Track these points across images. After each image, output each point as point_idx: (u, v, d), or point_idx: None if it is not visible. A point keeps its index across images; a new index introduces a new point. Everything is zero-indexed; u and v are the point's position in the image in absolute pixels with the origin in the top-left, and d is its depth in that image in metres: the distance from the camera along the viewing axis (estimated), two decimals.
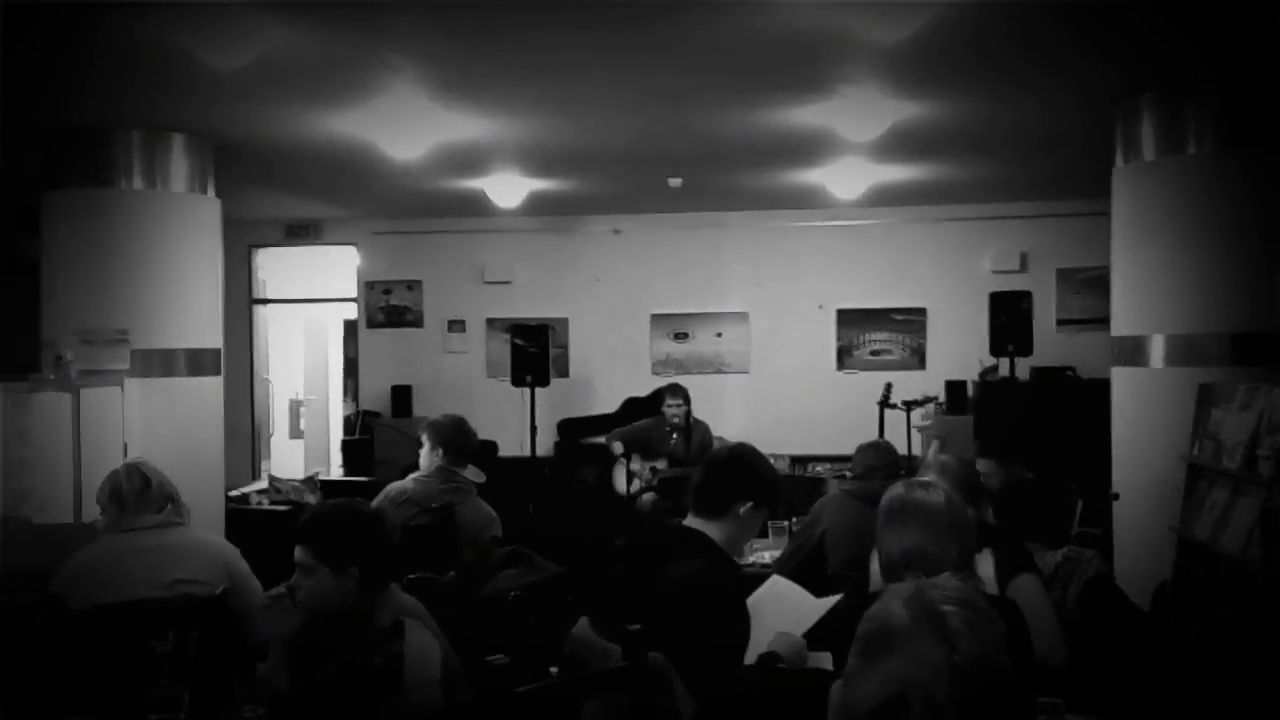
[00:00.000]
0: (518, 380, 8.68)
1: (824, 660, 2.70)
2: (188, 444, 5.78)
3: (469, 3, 4.01)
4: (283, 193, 8.67)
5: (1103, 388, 5.65)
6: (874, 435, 6.61)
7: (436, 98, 5.40)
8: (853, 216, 9.38)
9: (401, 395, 9.60)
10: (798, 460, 9.04)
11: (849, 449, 4.94)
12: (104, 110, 5.59)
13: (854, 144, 6.54)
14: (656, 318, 9.85)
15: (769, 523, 4.94)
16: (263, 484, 7.34)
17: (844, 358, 9.69)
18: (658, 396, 8.14)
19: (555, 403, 9.41)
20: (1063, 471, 5.33)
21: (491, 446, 8.86)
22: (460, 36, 4.47)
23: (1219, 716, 3.47)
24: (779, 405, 9.51)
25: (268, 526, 6.14)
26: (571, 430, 9.49)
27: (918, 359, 9.55)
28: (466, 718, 2.49)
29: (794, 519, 5.16)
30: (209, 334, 6.18)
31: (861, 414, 8.32)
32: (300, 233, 10.09)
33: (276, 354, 10.83)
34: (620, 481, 7.90)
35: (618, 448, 7.91)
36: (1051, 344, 8.71)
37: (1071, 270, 9.20)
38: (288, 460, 10.72)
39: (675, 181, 7.97)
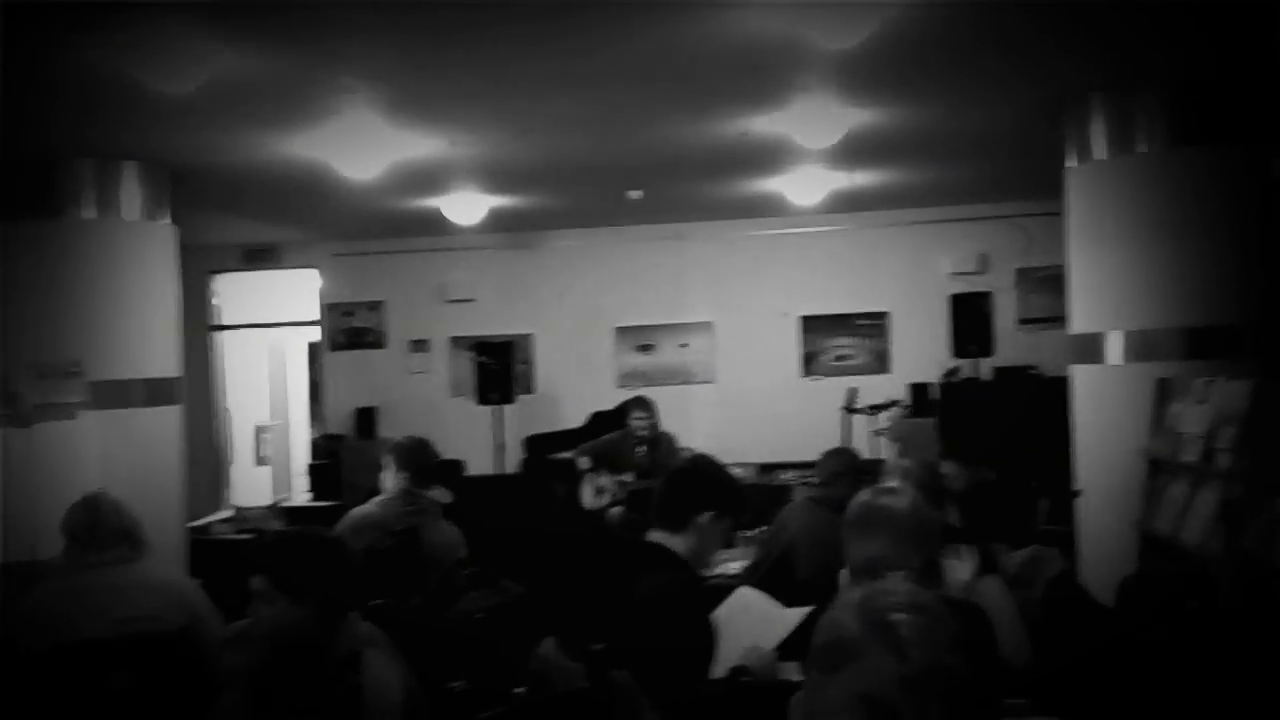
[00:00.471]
0: (483, 398, 8.64)
1: (794, 672, 2.69)
2: (147, 475, 5.70)
3: (420, 24, 4.00)
4: (240, 217, 8.60)
5: (1065, 385, 5.69)
6: (840, 441, 6.64)
7: (390, 117, 5.37)
8: (813, 223, 9.42)
9: (366, 417, 9.53)
10: (765, 468, 9.02)
11: (816, 456, 4.95)
12: (54, 139, 5.52)
13: (811, 151, 6.57)
14: (621, 330, 9.84)
15: (736, 533, 4.94)
16: (226, 513, 7.25)
17: (809, 364, 9.72)
18: (624, 410, 8.12)
19: (522, 420, 9.36)
20: (1026, 470, 5.36)
21: (458, 465, 8.80)
22: (412, 56, 4.45)
23: (1186, 710, 3.50)
24: (745, 414, 9.51)
25: (231, 557, 6.06)
26: (538, 446, 9.43)
27: (881, 363, 9.59)
28: None
29: (761, 528, 5.16)
30: (166, 363, 6.11)
31: (828, 420, 8.36)
32: (259, 257, 10.00)
33: (238, 380, 10.71)
34: (588, 496, 7.87)
35: (584, 462, 7.87)
36: (1013, 344, 8.77)
37: (1031, 270, 9.28)
38: (253, 488, 10.59)
39: (635, 194, 7.97)
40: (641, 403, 7.92)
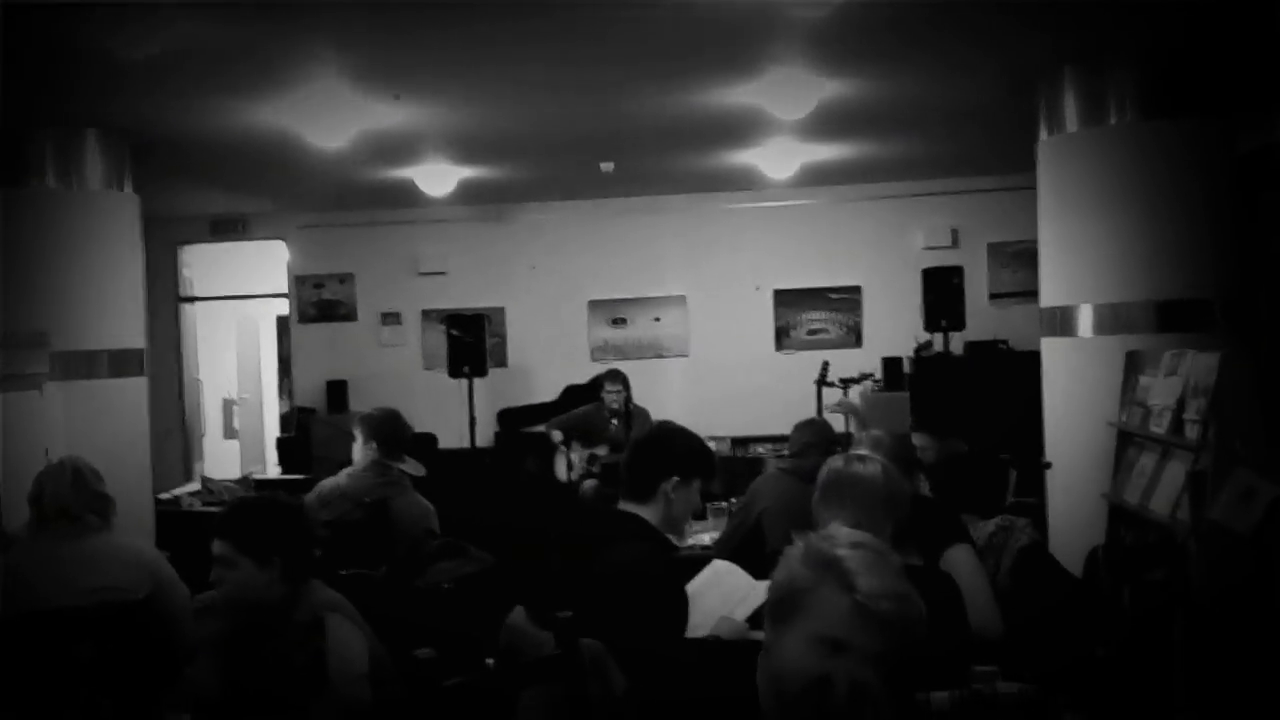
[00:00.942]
0: (455, 371, 8.58)
1: None
2: (113, 446, 5.62)
3: None
4: (207, 188, 8.49)
5: (1035, 359, 5.71)
6: (813, 415, 6.64)
7: (359, 86, 5.29)
8: (786, 197, 9.41)
9: (337, 390, 9.47)
10: (738, 442, 9.06)
11: (789, 429, 4.95)
12: (14, 107, 5.41)
13: (783, 123, 6.54)
14: (594, 304, 9.81)
15: (707, 505, 4.94)
16: (195, 485, 7.19)
17: (782, 338, 9.72)
18: (597, 383, 8.12)
19: (494, 393, 9.33)
20: (998, 443, 5.39)
21: (431, 439, 8.77)
22: (381, 23, 4.38)
23: (1152, 677, 3.54)
24: (719, 388, 9.52)
25: (200, 528, 5.99)
26: (511, 420, 9.42)
27: (854, 337, 9.61)
28: (397, 713, 2.45)
29: (733, 500, 5.17)
30: (131, 334, 6.02)
31: (801, 394, 8.34)
32: (227, 229, 9.88)
33: (208, 353, 10.62)
34: (561, 469, 7.87)
35: (557, 435, 7.87)
36: (984, 318, 8.80)
37: (1002, 244, 9.31)
38: (223, 461, 10.53)
39: (607, 166, 7.92)
40: (614, 376, 7.92)
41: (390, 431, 4.67)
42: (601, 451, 7.78)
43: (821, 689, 1.62)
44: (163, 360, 9.25)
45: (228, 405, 11.14)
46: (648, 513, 2.88)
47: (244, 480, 7.00)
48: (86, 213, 5.85)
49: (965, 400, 6.81)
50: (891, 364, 8.64)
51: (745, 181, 8.82)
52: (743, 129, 6.71)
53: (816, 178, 8.79)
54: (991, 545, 3.44)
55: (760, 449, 8.74)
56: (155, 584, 3.32)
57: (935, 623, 2.49)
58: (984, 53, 5.14)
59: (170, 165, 6.92)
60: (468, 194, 8.67)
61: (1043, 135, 5.54)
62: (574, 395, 8.93)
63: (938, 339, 8.12)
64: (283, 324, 10.47)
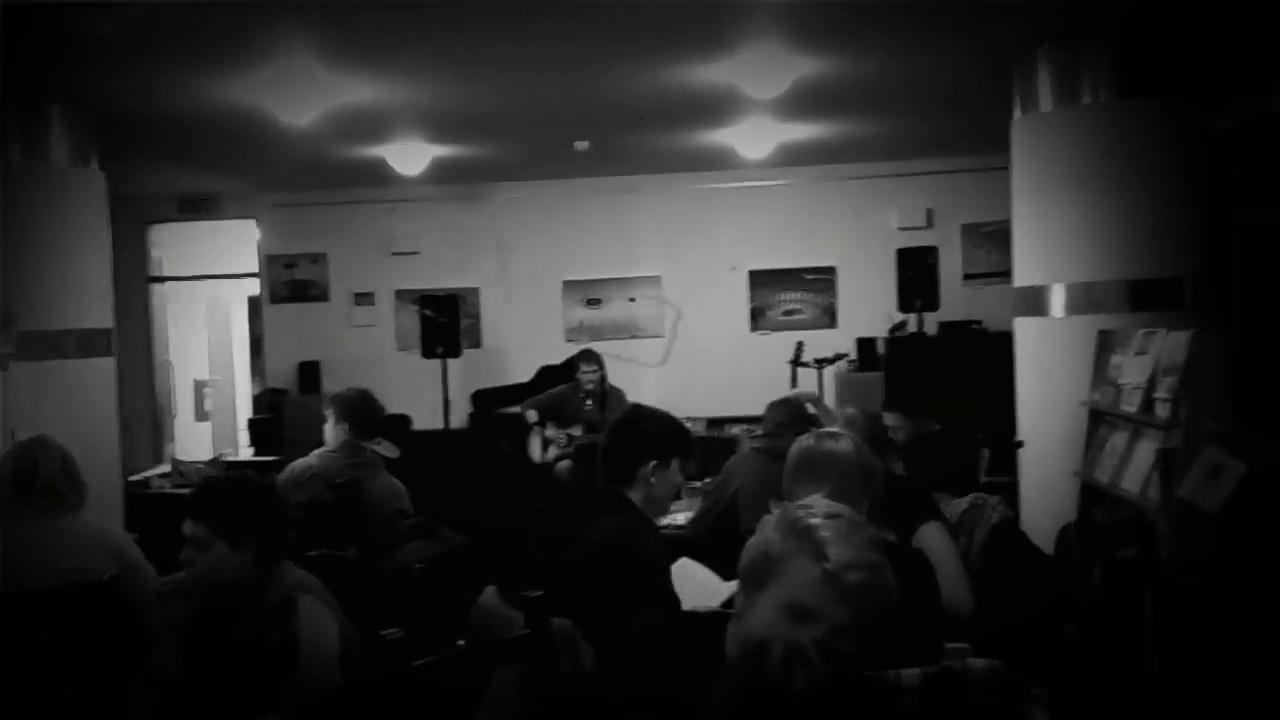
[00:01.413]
0: (429, 352, 8.53)
1: None
2: (80, 428, 5.53)
3: None
4: (176, 165, 8.37)
5: (1008, 340, 5.74)
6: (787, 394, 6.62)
7: (329, 62, 5.23)
8: (761, 177, 9.39)
9: (309, 371, 9.40)
10: (714, 422, 9.05)
11: (764, 409, 4.94)
12: None
13: (759, 102, 6.51)
14: (569, 284, 9.77)
15: (686, 480, 4.92)
16: (165, 468, 7.12)
17: (757, 319, 9.72)
18: (572, 364, 8.09)
19: (469, 374, 9.29)
20: (971, 422, 5.41)
21: (405, 420, 8.72)
22: None
23: (1122, 654, 3.56)
24: (694, 368, 9.51)
25: (170, 510, 5.93)
26: (486, 401, 9.38)
27: (829, 317, 9.62)
28: (368, 695, 2.42)
29: (707, 479, 5.16)
30: (99, 313, 5.94)
31: (776, 374, 8.36)
32: (196, 207, 9.76)
33: (178, 334, 10.51)
34: (536, 450, 7.84)
35: (532, 415, 7.84)
36: (958, 298, 8.82)
37: (976, 225, 9.33)
38: (194, 443, 10.44)
39: (582, 145, 7.87)
40: (589, 356, 7.89)
41: (362, 412, 4.62)
42: (576, 432, 7.76)
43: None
44: (132, 341, 9.14)
45: (199, 387, 11.04)
46: (630, 497, 2.87)
47: (215, 462, 6.93)
48: (52, 190, 5.75)
49: (939, 380, 6.85)
50: (866, 344, 8.67)
51: (721, 161, 8.79)
52: (718, 107, 6.67)
53: (792, 158, 8.77)
54: (964, 523, 3.45)
55: (735, 429, 8.74)
56: (121, 565, 3.27)
57: (908, 599, 2.49)
58: (959, 32, 5.13)
59: (138, 142, 6.82)
60: (441, 173, 8.60)
61: (1017, 115, 5.54)
62: (549, 376, 8.89)
63: (912, 319, 8.14)
64: (254, 304, 10.37)
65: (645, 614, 2.40)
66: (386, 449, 4.68)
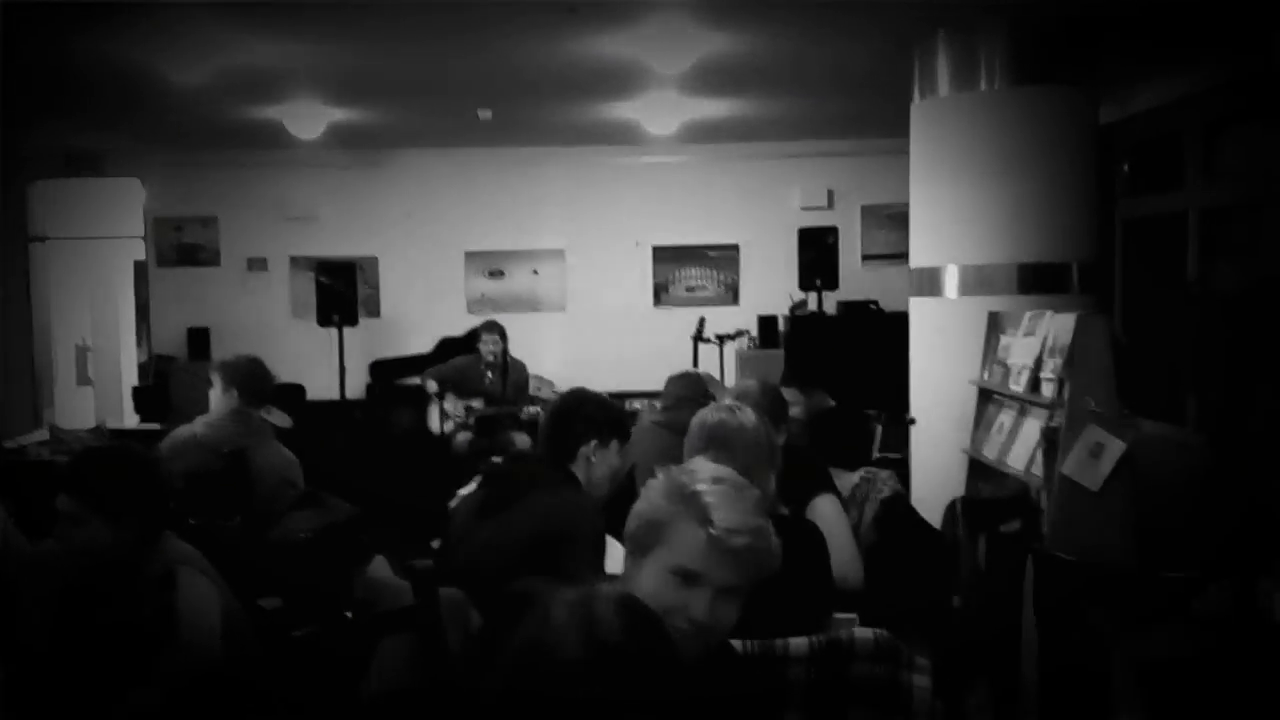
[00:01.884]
0: (324, 320, 8.35)
1: None
2: None
3: None
4: (59, 121, 7.99)
5: (904, 320, 5.85)
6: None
7: (222, 17, 5.03)
8: (667, 153, 9.38)
9: (199, 338, 9.11)
10: (615, 397, 8.99)
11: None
12: None
13: (664, 76, 6.49)
14: (471, 255, 9.64)
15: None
16: (43, 434, 6.83)
17: (660, 294, 9.74)
18: (473, 335, 8.00)
19: (368, 344, 9.13)
20: (868, 400, 5.51)
21: (299, 390, 8.52)
22: None
23: (1003, 625, 3.67)
24: (596, 343, 9.49)
25: (48, 479, 5.69)
26: (384, 371, 9.23)
27: (732, 294, 9.69)
28: (250, 668, 2.36)
29: None
30: None
31: (678, 350, 8.39)
32: (81, 164, 9.34)
33: (60, 296, 10.07)
34: (435, 422, 7.74)
35: (432, 386, 7.74)
36: (857, 278, 8.98)
37: (876, 207, 9.48)
38: (76, 409, 10.04)
39: (485, 114, 7.75)
40: (491, 326, 7.81)
41: (251, 379, 4.47)
42: (476, 404, 7.68)
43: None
44: (11, 302, 8.75)
45: (81, 352, 10.61)
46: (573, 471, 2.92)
47: (97, 430, 6.67)
48: None
49: (837, 358, 6.96)
50: (767, 322, 8.76)
51: (626, 136, 8.76)
52: (623, 80, 6.63)
53: (697, 135, 8.78)
54: (855, 496, 3.50)
55: (637, 404, 8.75)
56: None
57: (799, 571, 2.53)
58: (863, 14, 5.18)
59: (17, 95, 6.48)
60: (340, 138, 8.38)
61: (916, 99, 5.62)
62: (450, 348, 8.79)
63: (812, 298, 8.25)
64: (140, 268, 10.00)
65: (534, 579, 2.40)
66: (278, 418, 4.55)
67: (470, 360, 7.82)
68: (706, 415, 2.86)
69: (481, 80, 6.68)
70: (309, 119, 7.66)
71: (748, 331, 8.63)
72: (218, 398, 4.44)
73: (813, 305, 8.25)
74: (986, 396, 5.00)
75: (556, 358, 9.26)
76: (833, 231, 8.37)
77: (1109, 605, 3.01)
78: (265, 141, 8.59)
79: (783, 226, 9.15)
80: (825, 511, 3.13)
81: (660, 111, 7.70)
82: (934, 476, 5.30)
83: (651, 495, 1.79)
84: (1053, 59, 5.29)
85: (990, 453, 4.76)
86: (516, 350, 7.92)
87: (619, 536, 3.08)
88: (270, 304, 9.49)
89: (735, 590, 1.73)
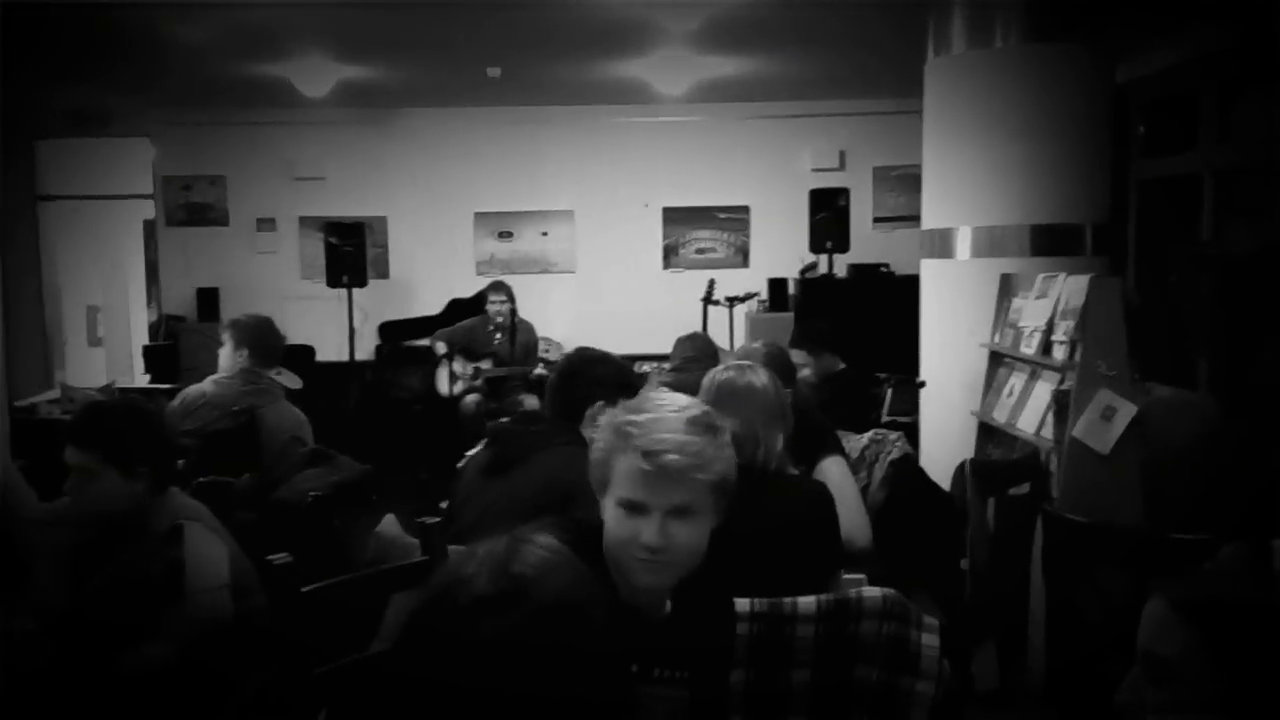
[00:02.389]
0: (333, 281, 8.33)
1: None
2: None
3: None
4: (64, 79, 7.95)
5: (914, 284, 5.81)
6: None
7: None
8: (677, 113, 9.30)
9: (208, 298, 9.10)
10: (624, 359, 9.03)
11: None
12: None
13: (675, 32, 6.42)
14: (480, 216, 9.60)
15: None
16: (54, 394, 6.85)
17: (669, 256, 9.70)
18: (481, 296, 7.99)
19: (376, 305, 9.11)
20: (878, 363, 5.49)
21: (308, 351, 8.54)
22: None
23: (1012, 587, 3.67)
24: (605, 305, 9.47)
25: (58, 437, 5.72)
26: (393, 333, 9.24)
27: (742, 257, 9.64)
28: (259, 623, 2.37)
29: None
30: None
31: (687, 313, 8.36)
32: (87, 123, 9.30)
33: (69, 256, 10.08)
34: (444, 383, 7.76)
35: (440, 348, 7.75)
36: (868, 241, 8.92)
37: (887, 168, 9.40)
38: (88, 369, 10.07)
39: (494, 71, 7.69)
40: (499, 287, 7.80)
41: (261, 338, 4.47)
42: (485, 365, 7.69)
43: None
44: (20, 262, 8.75)
45: (91, 312, 10.63)
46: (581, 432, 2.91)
47: (107, 389, 6.68)
48: None
49: (847, 321, 6.92)
50: (777, 285, 8.72)
51: (636, 96, 8.68)
52: (633, 36, 6.56)
53: (707, 94, 8.70)
54: (864, 458, 3.49)
55: (646, 367, 8.75)
56: None
57: (808, 530, 2.53)
58: None
59: (25, 51, 6.44)
60: (347, 96, 8.32)
61: (930, 56, 5.55)
62: (458, 309, 8.78)
63: (822, 260, 8.21)
64: (149, 227, 9.99)
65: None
66: (288, 379, 4.55)
67: (479, 321, 7.82)
68: (716, 374, 2.85)
69: (490, 36, 6.62)
70: (317, 76, 7.60)
71: (758, 294, 8.60)
72: (228, 356, 4.45)
73: (823, 268, 8.21)
74: (997, 359, 4.98)
75: (566, 320, 9.24)
76: (844, 193, 8.31)
77: (1119, 567, 3.01)
78: (273, 100, 8.54)
79: (793, 188, 9.09)
80: (833, 473, 3.12)
81: (671, 70, 7.63)
82: (943, 440, 5.29)
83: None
84: (1069, 17, 5.20)
85: (1000, 416, 4.75)
86: (525, 312, 7.91)
87: None
88: (279, 265, 9.47)
89: (685, 509, 1.74)
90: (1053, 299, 4.50)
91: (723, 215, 9.64)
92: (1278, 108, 5.68)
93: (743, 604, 2.11)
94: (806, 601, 2.18)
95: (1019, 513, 3.88)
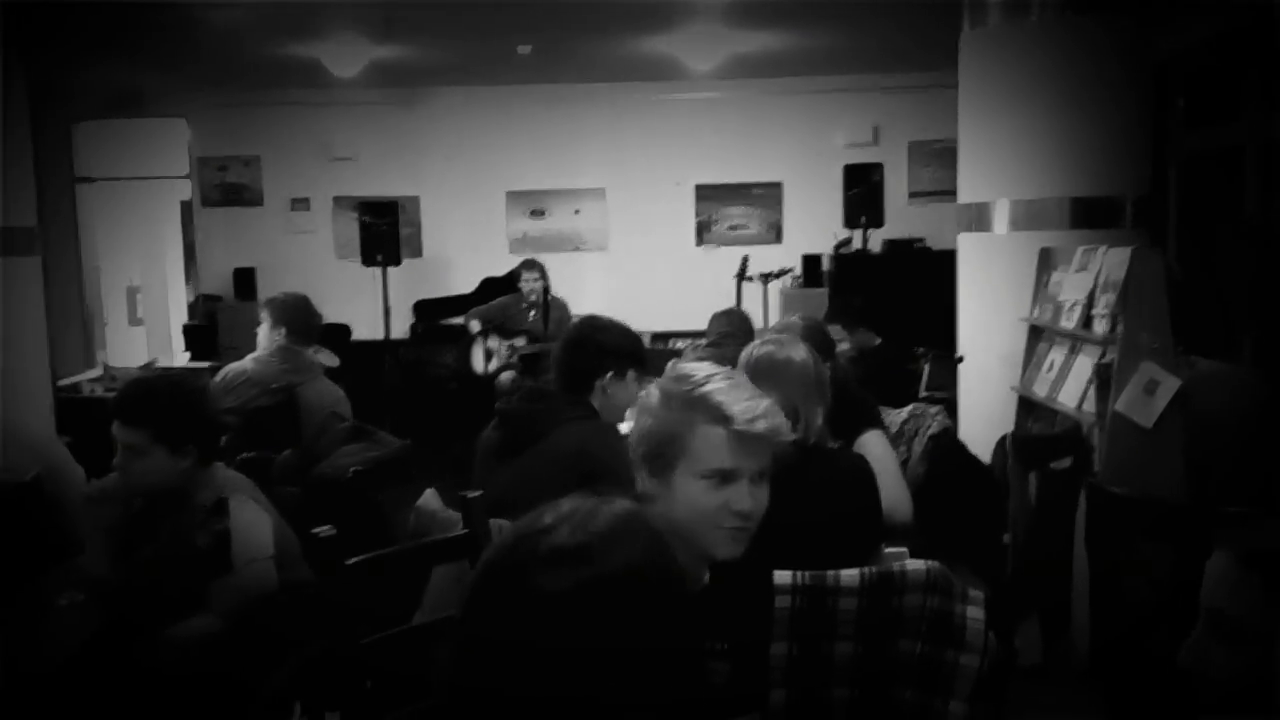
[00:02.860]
0: (368, 260, 8.36)
1: None
2: (7, 328, 5.38)
3: None
4: (100, 61, 8.01)
5: (951, 258, 5.75)
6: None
7: None
8: (709, 89, 9.24)
9: (245, 278, 9.18)
10: (658, 337, 9.02)
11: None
12: None
13: (706, 6, 6.37)
14: (512, 195, 9.60)
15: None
16: (96, 372, 6.96)
17: (702, 233, 9.66)
18: (515, 274, 8.00)
19: (410, 284, 9.14)
20: (914, 338, 5.45)
21: (344, 330, 8.59)
22: None
23: (1055, 561, 3.64)
24: (638, 282, 9.45)
25: (102, 414, 5.80)
26: (428, 311, 9.27)
27: (775, 233, 9.59)
28: (304, 594, 2.39)
29: None
30: (22, 211, 5.70)
31: (720, 290, 8.34)
32: (123, 105, 9.37)
33: (108, 237, 10.18)
34: (478, 361, 7.79)
35: (475, 326, 7.78)
36: (903, 216, 8.84)
37: (922, 143, 9.30)
38: (127, 349, 10.20)
39: (525, 49, 7.67)
40: (531, 264, 7.81)
41: (298, 316, 4.51)
42: (520, 343, 7.71)
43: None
44: (59, 243, 8.85)
45: (131, 292, 10.76)
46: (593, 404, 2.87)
47: (148, 367, 6.78)
48: None
49: (883, 297, 6.87)
50: (811, 261, 8.67)
51: (668, 72, 8.63)
52: (664, 11, 6.51)
53: (739, 70, 8.64)
54: (904, 432, 3.47)
55: (680, 343, 8.74)
56: (44, 466, 3.18)
57: (850, 503, 2.51)
58: None
59: (59, 34, 6.50)
60: (379, 76, 8.33)
61: (965, 29, 5.48)
62: (492, 287, 8.80)
63: (857, 236, 8.15)
64: (186, 208, 10.08)
65: None
66: (326, 357, 4.59)
67: (513, 299, 7.84)
68: (754, 348, 2.82)
69: (521, 14, 6.60)
70: (348, 56, 7.62)
71: (791, 270, 8.55)
72: (265, 334, 4.49)
73: (857, 243, 8.15)
74: (1037, 334, 4.92)
75: (599, 298, 9.22)
76: (878, 168, 8.24)
77: (1162, 540, 2.97)
78: (306, 80, 8.56)
79: (827, 163, 9.01)
80: (873, 446, 3.10)
81: (702, 45, 7.58)
82: (982, 415, 5.24)
83: (655, 410, 1.80)
84: None
85: (1040, 390, 4.70)
86: (558, 291, 7.92)
87: None
88: (314, 244, 9.52)
89: (764, 472, 1.78)
90: (1093, 272, 4.44)
91: (756, 191, 9.59)
92: None
93: (784, 576, 2.10)
94: (850, 574, 2.17)
95: (1061, 487, 3.85)
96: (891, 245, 8.21)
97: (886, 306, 6.34)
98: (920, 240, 8.28)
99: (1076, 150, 5.13)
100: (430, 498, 2.66)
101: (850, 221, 8.12)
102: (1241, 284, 6.14)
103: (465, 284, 9.24)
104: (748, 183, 9.56)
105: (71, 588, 2.42)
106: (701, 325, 5.33)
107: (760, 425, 1.74)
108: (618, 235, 9.65)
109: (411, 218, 9.40)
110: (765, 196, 9.58)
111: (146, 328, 10.60)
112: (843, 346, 4.65)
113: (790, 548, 2.06)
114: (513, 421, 2.86)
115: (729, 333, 4.56)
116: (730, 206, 9.61)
